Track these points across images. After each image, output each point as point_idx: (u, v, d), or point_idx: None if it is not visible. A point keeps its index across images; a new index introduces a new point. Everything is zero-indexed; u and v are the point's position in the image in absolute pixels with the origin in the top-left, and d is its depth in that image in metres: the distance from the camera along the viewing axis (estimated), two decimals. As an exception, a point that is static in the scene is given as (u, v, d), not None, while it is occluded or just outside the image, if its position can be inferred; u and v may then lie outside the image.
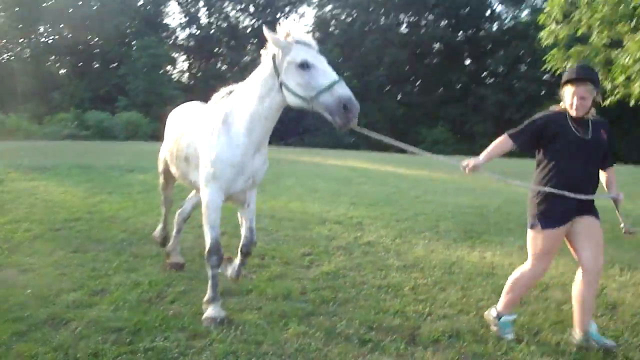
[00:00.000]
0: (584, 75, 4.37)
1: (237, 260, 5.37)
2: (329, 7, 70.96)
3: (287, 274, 6.33)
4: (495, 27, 63.27)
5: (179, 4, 67.93)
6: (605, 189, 4.62)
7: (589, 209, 4.44)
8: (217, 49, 67.54)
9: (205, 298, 4.86)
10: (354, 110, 3.98)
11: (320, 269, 6.60)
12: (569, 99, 4.37)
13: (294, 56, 4.18)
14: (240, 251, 5.24)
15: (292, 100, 4.28)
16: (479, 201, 13.97)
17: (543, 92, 54.36)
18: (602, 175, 4.57)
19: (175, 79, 64.10)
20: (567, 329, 4.81)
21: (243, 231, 5.23)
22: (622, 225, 4.53)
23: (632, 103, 10.35)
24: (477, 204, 13.37)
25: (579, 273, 4.47)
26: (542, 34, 11.04)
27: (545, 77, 50.91)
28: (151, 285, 5.55)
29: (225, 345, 4.18)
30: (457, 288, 6.01)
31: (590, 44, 10.66)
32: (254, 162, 4.79)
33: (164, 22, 67.15)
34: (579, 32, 10.74)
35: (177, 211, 6.59)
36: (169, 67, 63.11)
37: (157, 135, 43.26)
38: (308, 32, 4.85)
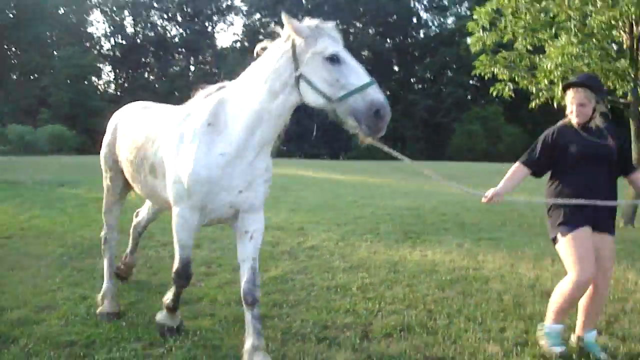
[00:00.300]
0: (583, 81, 4.33)
1: (247, 318, 4.15)
2: (257, 15, 71.06)
3: (236, 280, 6.30)
4: (422, 34, 65.32)
5: (103, 12, 66.16)
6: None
7: (606, 221, 4.31)
8: (144, 59, 66.17)
9: (166, 304, 4.55)
10: (386, 118, 3.45)
11: (268, 274, 6.67)
12: (569, 106, 4.33)
13: (322, 47, 3.58)
14: (245, 301, 4.11)
15: (312, 98, 3.64)
16: (415, 203, 14.42)
17: (469, 97, 56.63)
18: (633, 182, 4.45)
19: (101, 90, 62.35)
20: (507, 317, 5.12)
21: (242, 271, 4.17)
22: None
23: (555, 105, 11.06)
24: (414, 206, 13.80)
25: (565, 279, 4.33)
26: (471, 40, 11.62)
27: (471, 82, 53.16)
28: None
29: (183, 351, 4.20)
30: (403, 285, 6.23)
31: (516, 50, 11.30)
32: (251, 170, 4.02)
33: (88, 31, 65.14)
34: (505, 39, 11.37)
35: (132, 223, 6.10)
36: (94, 78, 61.30)
37: (84, 149, 41.96)
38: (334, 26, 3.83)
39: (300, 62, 3.65)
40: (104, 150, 5.41)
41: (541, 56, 10.88)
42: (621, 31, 11.01)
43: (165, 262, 7.23)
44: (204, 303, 5.48)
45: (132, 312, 5.15)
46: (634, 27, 10.81)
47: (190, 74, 65.61)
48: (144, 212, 6.04)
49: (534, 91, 11.19)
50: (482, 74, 11.38)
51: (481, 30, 11.33)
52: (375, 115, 3.42)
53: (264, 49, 3.96)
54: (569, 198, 4.20)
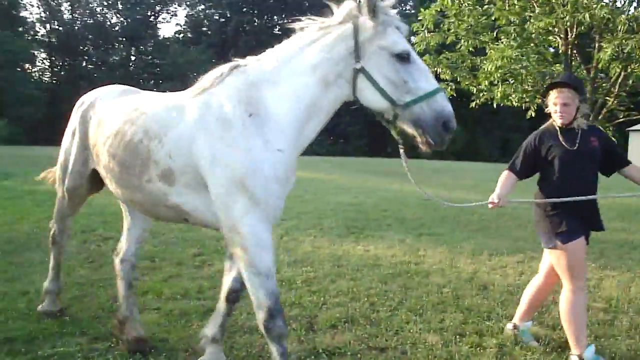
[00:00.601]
0: (566, 81, 4.32)
1: (219, 310, 3.92)
2: (202, 6, 70.08)
3: (181, 274, 6.35)
4: (365, 31, 66.19)
5: (38, -4, 63.50)
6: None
7: (597, 222, 4.36)
8: (82, 46, 64.03)
9: None
10: (452, 131, 3.07)
11: (214, 268, 6.68)
12: (552, 107, 4.29)
13: (392, 41, 3.09)
14: (228, 298, 3.85)
15: (372, 98, 3.16)
16: (357, 199, 14.68)
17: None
18: (629, 175, 4.35)
19: (35, 78, 59.90)
20: (447, 309, 5.34)
21: (230, 267, 3.84)
22: None
23: (494, 105, 11.54)
24: (356, 202, 14.05)
25: (564, 294, 4.32)
26: (415, 40, 11.93)
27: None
28: (40, 293, 5.30)
29: (130, 345, 4.16)
30: (346, 279, 6.37)
31: (458, 51, 11.69)
32: (292, 173, 3.44)
33: (21, 15, 62.30)
34: (448, 40, 11.74)
35: (116, 259, 4.45)
36: (27, 65, 58.80)
37: (14, 139, 40.14)
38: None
39: (362, 54, 3.13)
40: (70, 145, 4.36)
41: (482, 58, 11.30)
42: (557, 37, 11.58)
43: (108, 256, 7.11)
44: (149, 297, 5.44)
45: (76, 307, 5.06)
46: (569, 33, 11.39)
47: (131, 64, 64.03)
48: (126, 238, 4.52)
49: (474, 91, 11.61)
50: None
51: (425, 31, 11.64)
52: (443, 128, 3.04)
53: (303, 28, 3.39)
54: (558, 204, 4.17)
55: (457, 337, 4.63)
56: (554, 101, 4.26)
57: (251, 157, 3.14)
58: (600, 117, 11.51)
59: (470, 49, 11.64)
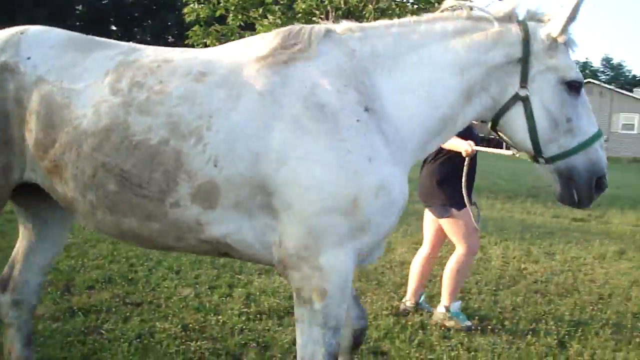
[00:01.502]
0: None
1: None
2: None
3: None
4: (142, -6, 63.30)
5: None
6: None
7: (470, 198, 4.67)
8: None
9: None
10: (604, 190, 2.45)
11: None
12: None
13: (566, 65, 2.37)
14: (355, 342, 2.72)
15: (520, 137, 2.43)
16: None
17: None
18: None
19: None
20: (202, 265, 5.76)
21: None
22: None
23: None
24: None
25: (455, 255, 4.76)
26: (186, 10, 12.14)
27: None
28: None
29: None
30: (107, 243, 6.42)
31: (228, 25, 12.20)
32: None
33: None
34: (217, 13, 12.15)
35: (3, 299, 2.96)
36: None
37: None
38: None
39: (527, 77, 2.37)
40: None
41: (251, 33, 12.02)
42: (319, 18, 12.80)
43: None
44: None
45: None
46: (330, 15, 12.69)
47: None
48: (19, 275, 2.97)
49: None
50: (195, 43, 12.00)
51: (196, 2, 11.93)
52: (596, 185, 2.39)
53: (453, 8, 2.49)
54: (462, 178, 4.28)
55: (210, 289, 5.08)
56: None
57: (374, 170, 2.22)
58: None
59: (241, 23, 12.22)
